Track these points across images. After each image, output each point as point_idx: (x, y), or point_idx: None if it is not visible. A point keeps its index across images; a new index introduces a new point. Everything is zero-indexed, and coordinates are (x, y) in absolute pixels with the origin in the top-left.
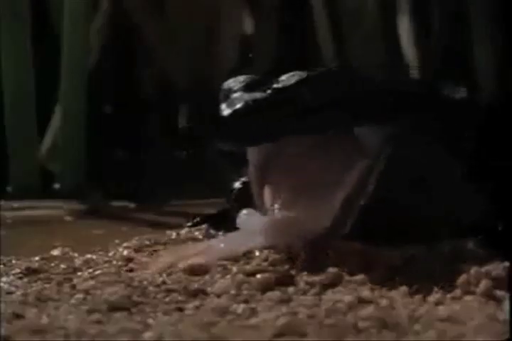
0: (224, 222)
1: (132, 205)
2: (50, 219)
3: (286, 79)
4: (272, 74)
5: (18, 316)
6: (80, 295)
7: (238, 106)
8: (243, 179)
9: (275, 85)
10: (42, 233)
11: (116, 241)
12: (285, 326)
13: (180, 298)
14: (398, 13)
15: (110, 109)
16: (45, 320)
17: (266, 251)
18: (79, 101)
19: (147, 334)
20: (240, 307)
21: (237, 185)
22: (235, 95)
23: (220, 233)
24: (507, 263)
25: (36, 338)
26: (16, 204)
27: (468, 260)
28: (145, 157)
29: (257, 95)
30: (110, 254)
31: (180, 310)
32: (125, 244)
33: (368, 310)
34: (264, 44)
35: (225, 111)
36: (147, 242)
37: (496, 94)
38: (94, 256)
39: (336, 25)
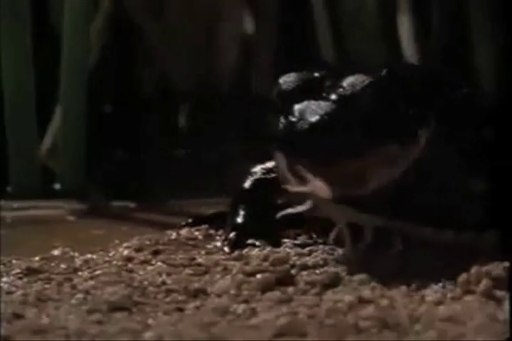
0: (222, 223)
1: (132, 205)
2: (50, 219)
3: (350, 83)
4: (319, 70)
5: (18, 316)
6: (80, 295)
7: (314, 120)
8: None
9: (341, 91)
10: (42, 233)
11: (116, 241)
12: (285, 326)
13: (180, 298)
14: (398, 13)
15: (110, 109)
16: (45, 320)
17: (266, 251)
18: (79, 101)
19: (147, 334)
20: (240, 307)
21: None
22: (301, 106)
23: (220, 233)
24: (507, 263)
25: (36, 338)
26: (15, 204)
27: (472, 257)
28: (145, 157)
29: (328, 107)
30: (110, 254)
31: (181, 310)
32: (125, 244)
33: (369, 309)
34: (264, 44)
35: (299, 125)
36: (147, 242)
37: (496, 94)
38: (94, 256)
39: (336, 25)
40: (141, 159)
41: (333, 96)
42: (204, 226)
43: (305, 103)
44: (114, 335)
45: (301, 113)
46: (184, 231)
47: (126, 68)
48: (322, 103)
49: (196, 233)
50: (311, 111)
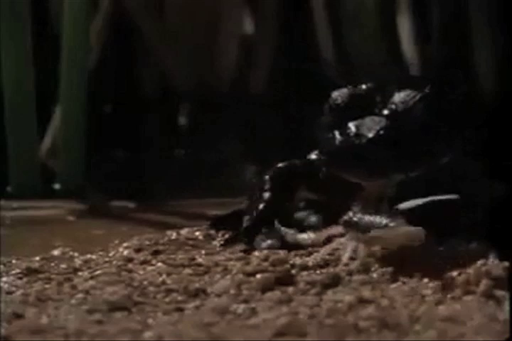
0: (233, 223)
1: (132, 205)
2: (50, 219)
3: (401, 100)
4: (368, 83)
5: (18, 316)
6: (80, 295)
7: (371, 135)
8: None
9: (393, 107)
10: (42, 233)
11: (116, 241)
12: (285, 326)
13: (180, 297)
14: (398, 13)
15: (110, 109)
16: (45, 320)
17: (266, 251)
18: (79, 101)
19: (147, 334)
20: (240, 307)
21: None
22: (356, 121)
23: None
24: (507, 263)
25: (36, 338)
26: (15, 204)
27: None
28: (145, 157)
29: (382, 122)
30: (110, 254)
31: (180, 310)
32: (125, 244)
33: (369, 309)
34: (264, 44)
35: (356, 140)
36: (147, 242)
37: (495, 95)
38: (94, 256)
39: (336, 25)
40: (141, 159)
41: (386, 112)
42: (204, 227)
43: (360, 119)
44: (114, 335)
45: (358, 128)
46: (184, 231)
47: (126, 68)
48: (376, 119)
49: (196, 233)
50: (366, 126)
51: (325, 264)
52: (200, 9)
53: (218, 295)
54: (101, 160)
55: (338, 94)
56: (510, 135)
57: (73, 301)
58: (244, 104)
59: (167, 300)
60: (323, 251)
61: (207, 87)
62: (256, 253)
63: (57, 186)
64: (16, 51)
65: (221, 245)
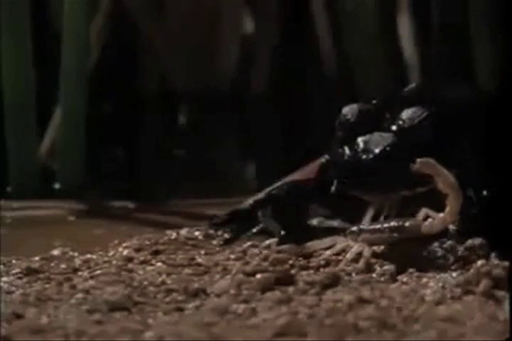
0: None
1: (132, 205)
2: (50, 219)
3: (409, 116)
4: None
5: (18, 316)
6: (80, 295)
7: (378, 151)
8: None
9: (401, 124)
10: (42, 233)
11: (116, 241)
12: (285, 326)
13: (180, 297)
14: (398, 13)
15: (110, 109)
16: (45, 319)
17: (266, 251)
18: (79, 101)
19: (147, 334)
20: (240, 307)
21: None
22: (365, 137)
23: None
24: (507, 263)
25: (36, 338)
26: (15, 204)
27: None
28: (145, 156)
29: (390, 138)
30: (110, 254)
31: (180, 309)
32: (125, 244)
33: (368, 309)
34: (264, 44)
35: (363, 155)
36: (147, 242)
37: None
38: (94, 256)
39: (336, 25)
40: (141, 159)
41: (394, 128)
42: (204, 227)
43: (368, 135)
44: (114, 335)
45: (366, 144)
46: (184, 231)
47: (126, 68)
48: (384, 135)
49: (196, 233)
50: (374, 142)
51: (326, 264)
52: (200, 9)
53: (218, 295)
54: (101, 160)
55: (348, 110)
56: (510, 134)
57: (73, 301)
58: (244, 104)
59: (167, 300)
60: (326, 254)
61: (207, 86)
62: (256, 253)
63: (56, 186)
64: (16, 51)
65: (221, 245)
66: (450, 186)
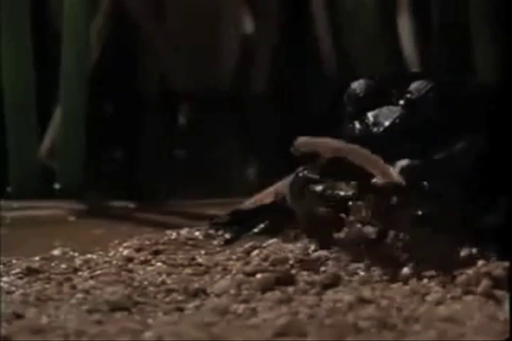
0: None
1: (132, 205)
2: (50, 219)
3: (415, 89)
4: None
5: (18, 316)
6: (80, 295)
7: (388, 124)
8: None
9: (408, 96)
10: (42, 233)
11: (116, 241)
12: (285, 326)
13: (180, 297)
14: (398, 13)
15: (110, 109)
16: (45, 320)
17: (266, 251)
18: (79, 101)
19: (147, 334)
20: (240, 307)
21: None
22: (374, 111)
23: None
24: (507, 263)
25: (36, 338)
26: (15, 204)
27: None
28: (145, 157)
29: (398, 111)
30: (110, 254)
31: (180, 309)
32: (125, 244)
33: (369, 310)
34: (264, 44)
35: (374, 129)
36: (147, 242)
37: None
38: (94, 256)
39: (336, 25)
40: (141, 159)
41: (402, 101)
42: (204, 227)
43: (377, 109)
44: (114, 335)
45: (375, 117)
46: (184, 231)
47: (126, 68)
48: (393, 108)
49: (196, 233)
50: (383, 115)
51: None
52: (200, 9)
53: (218, 295)
54: (101, 160)
55: (357, 85)
56: (509, 133)
57: (73, 301)
58: (244, 104)
59: (167, 300)
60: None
61: (207, 86)
62: (256, 253)
63: (56, 186)
64: (16, 51)
65: (221, 245)
66: (335, 152)
